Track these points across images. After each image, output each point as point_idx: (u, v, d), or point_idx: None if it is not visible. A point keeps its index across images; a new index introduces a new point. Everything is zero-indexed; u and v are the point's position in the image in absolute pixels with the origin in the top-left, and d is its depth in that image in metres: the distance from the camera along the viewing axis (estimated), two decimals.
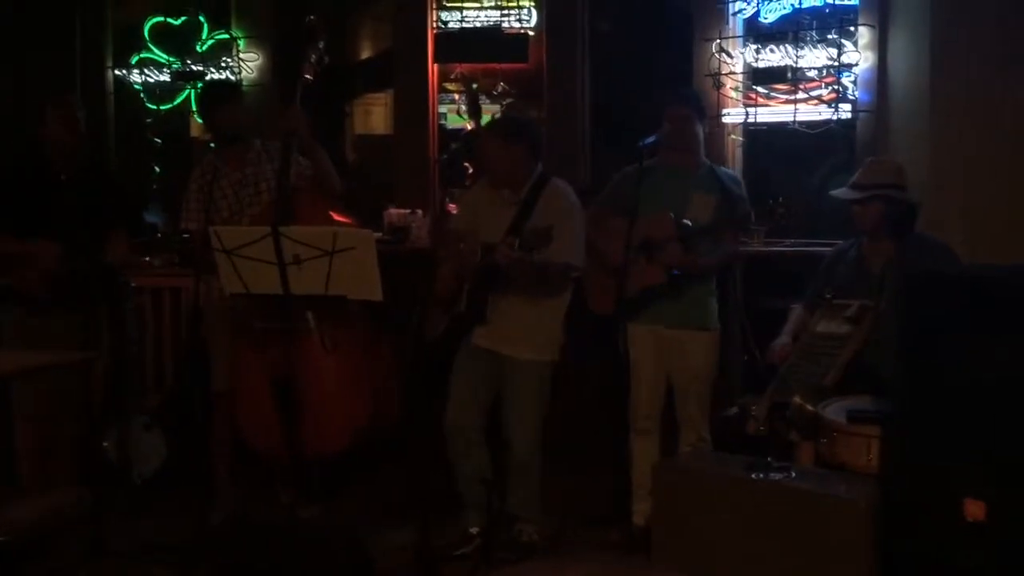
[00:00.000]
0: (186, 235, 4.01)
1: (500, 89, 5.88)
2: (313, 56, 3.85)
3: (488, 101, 5.90)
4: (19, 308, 3.92)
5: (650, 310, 3.76)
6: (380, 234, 5.09)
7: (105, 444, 4.29)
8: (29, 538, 3.38)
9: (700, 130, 3.83)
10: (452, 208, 3.93)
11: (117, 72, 6.34)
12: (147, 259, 4.98)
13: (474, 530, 3.75)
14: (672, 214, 3.66)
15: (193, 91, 6.17)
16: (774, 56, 5.05)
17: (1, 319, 3.94)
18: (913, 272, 2.89)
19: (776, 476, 2.90)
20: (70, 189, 3.98)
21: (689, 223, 3.64)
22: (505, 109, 5.77)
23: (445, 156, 5.60)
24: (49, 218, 3.90)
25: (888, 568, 2.71)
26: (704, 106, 3.96)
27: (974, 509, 2.49)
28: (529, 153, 3.68)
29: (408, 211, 5.38)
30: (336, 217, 3.75)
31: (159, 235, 5.43)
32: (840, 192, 3.58)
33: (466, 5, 5.82)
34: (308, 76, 3.83)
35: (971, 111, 4.36)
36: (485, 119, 5.59)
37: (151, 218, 5.95)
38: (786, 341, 3.61)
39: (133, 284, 4.59)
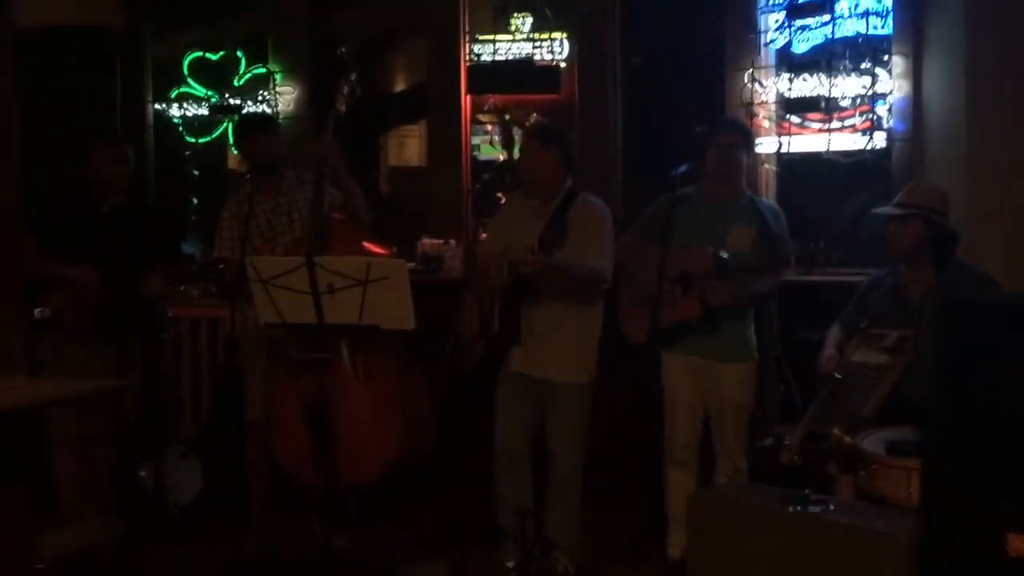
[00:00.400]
0: (220, 264, 4.07)
1: (533, 120, 5.91)
2: (345, 88, 3.91)
3: (521, 132, 5.92)
4: (56, 335, 3.99)
5: (685, 341, 3.74)
6: (413, 264, 5.11)
7: (142, 473, 4.32)
8: (66, 566, 3.41)
9: (744, 159, 3.83)
10: (485, 239, 3.96)
11: (157, 106, 6.47)
12: (184, 289, 5.05)
13: (511, 563, 3.73)
14: (711, 247, 3.63)
15: (231, 124, 6.28)
16: (807, 85, 5.03)
17: (39, 346, 4.01)
18: (953, 300, 2.85)
19: (814, 509, 2.85)
20: (111, 222, 4.07)
21: (726, 256, 3.61)
22: (539, 120, 5.79)
23: (478, 186, 5.63)
24: (90, 249, 3.99)
25: None
26: (752, 136, 3.95)
27: (1018, 544, 2.43)
28: (562, 161, 3.72)
29: (441, 241, 5.41)
30: (370, 247, 3.79)
31: (196, 265, 5.51)
32: (882, 209, 3.55)
33: (499, 38, 5.88)
34: (340, 108, 3.89)
35: (1007, 138, 4.32)
36: (518, 149, 5.62)
37: (188, 249, 6.03)
38: (832, 352, 3.55)
39: (171, 314, 4.65)
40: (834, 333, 3.65)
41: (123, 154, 4.22)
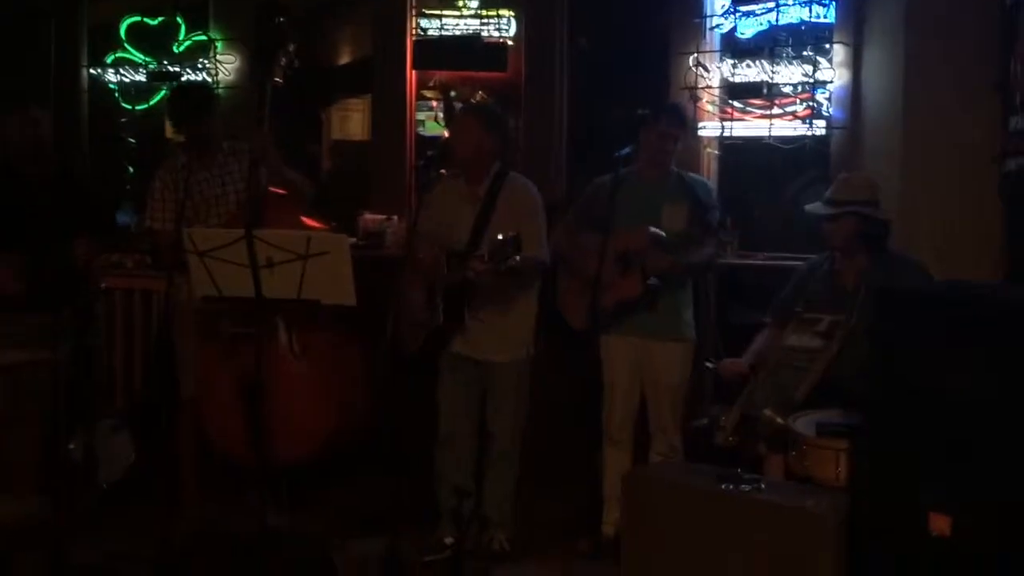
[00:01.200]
0: (152, 236, 3.98)
1: (478, 98, 5.88)
2: (283, 59, 3.83)
3: (459, 109, 5.89)
4: None
5: (625, 321, 3.77)
6: (355, 239, 5.07)
7: (71, 447, 4.23)
8: None
9: (678, 144, 3.86)
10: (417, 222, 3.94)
11: (92, 71, 6.29)
12: (117, 259, 4.93)
13: (448, 540, 3.74)
14: (649, 227, 3.67)
15: (168, 93, 6.13)
16: (750, 71, 5.09)
17: None
18: (884, 288, 2.91)
19: (745, 488, 2.91)
20: (34, 191, 3.93)
21: (662, 233, 3.65)
22: (482, 100, 5.76)
23: (422, 162, 5.59)
24: (13, 220, 3.85)
25: None
26: (689, 123, 3.97)
27: (939, 524, 2.51)
28: (497, 146, 3.72)
29: (384, 217, 5.37)
30: (309, 222, 3.74)
31: (130, 236, 5.39)
32: (813, 207, 3.60)
33: (445, 13, 5.83)
34: (277, 79, 3.81)
35: (942, 129, 4.41)
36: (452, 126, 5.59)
37: (124, 218, 5.89)
38: (740, 361, 3.62)
39: (103, 285, 4.54)
40: (760, 338, 3.68)
41: (33, 119, 4.03)
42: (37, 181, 3.97)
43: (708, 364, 3.96)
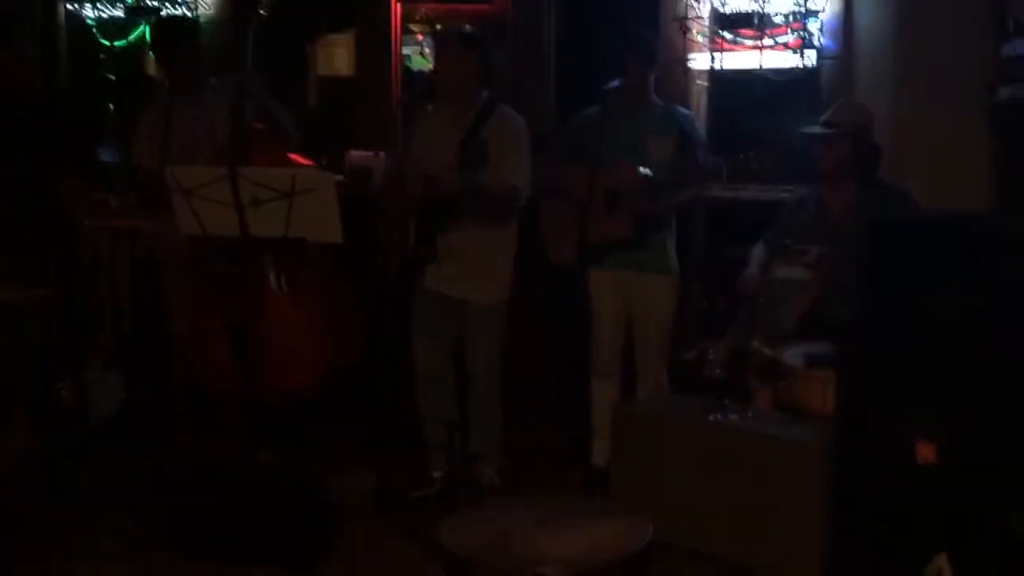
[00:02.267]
0: (140, 174, 3.93)
1: (467, 29, 5.77)
2: None
3: (439, 35, 5.78)
4: None
5: (612, 257, 3.76)
6: (341, 176, 5.01)
7: (61, 386, 4.24)
8: None
9: (652, 75, 3.80)
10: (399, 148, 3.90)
11: (69, 6, 6.14)
12: (102, 198, 4.88)
13: (437, 474, 3.78)
14: (636, 165, 3.62)
15: (148, 27, 6.00)
16: (741, 1, 5.01)
17: None
18: (872, 217, 2.90)
19: (732, 418, 2.94)
20: (17, 128, 3.87)
21: (650, 172, 3.61)
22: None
23: (406, 97, 5.51)
24: None
25: (841, 509, 2.77)
26: (656, 51, 3.89)
27: (925, 452, 2.53)
28: (480, 68, 3.64)
29: (370, 153, 5.31)
30: (295, 159, 3.69)
31: (114, 172, 5.32)
32: (810, 128, 3.58)
33: None
34: (262, 9, 3.73)
35: (934, 59, 4.36)
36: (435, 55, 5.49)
37: (106, 156, 5.82)
38: (754, 272, 3.61)
39: (87, 223, 4.50)
40: (757, 253, 3.71)
41: (19, 53, 3.95)
42: (18, 117, 3.90)
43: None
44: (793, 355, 3.13)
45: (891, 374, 2.62)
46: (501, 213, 3.64)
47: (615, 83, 3.66)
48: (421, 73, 5.81)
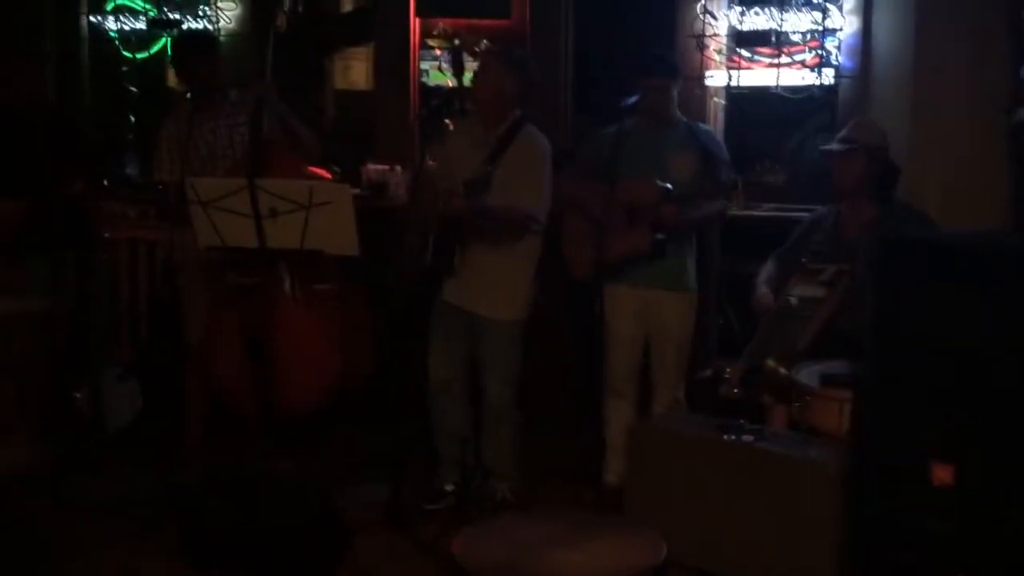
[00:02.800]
0: (160, 187, 3.95)
1: (483, 46, 5.80)
2: (286, 4, 3.78)
3: (471, 59, 5.82)
4: None
5: (630, 272, 3.76)
6: (358, 189, 5.04)
7: (77, 395, 4.26)
8: None
9: (675, 92, 3.80)
10: (431, 165, 3.91)
11: (92, 19, 6.21)
12: (121, 209, 4.91)
13: (449, 487, 3.77)
14: (655, 180, 3.62)
15: (169, 40, 6.06)
16: (759, 19, 5.01)
17: None
18: (889, 236, 2.89)
19: (748, 438, 2.92)
20: (31, 136, 3.89)
21: (670, 187, 3.61)
22: (489, 48, 5.69)
23: (425, 112, 5.54)
24: (9, 165, 3.82)
25: (857, 531, 2.75)
26: (679, 66, 3.90)
27: (942, 473, 2.51)
28: (518, 90, 3.66)
29: (387, 167, 5.33)
30: (312, 171, 3.71)
31: (134, 184, 5.36)
32: (827, 145, 3.58)
33: None
34: (280, 24, 3.76)
35: (953, 79, 4.35)
36: (468, 77, 5.53)
37: (127, 168, 5.87)
38: (765, 289, 3.60)
39: (107, 235, 4.54)
40: (767, 269, 3.69)
41: (35, 66, 3.97)
42: (32, 125, 3.93)
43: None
44: (808, 374, 3.11)
45: (908, 395, 2.61)
46: (510, 236, 3.64)
47: (632, 100, 3.66)
48: (439, 88, 5.84)
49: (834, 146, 3.52)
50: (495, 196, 3.53)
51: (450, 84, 5.75)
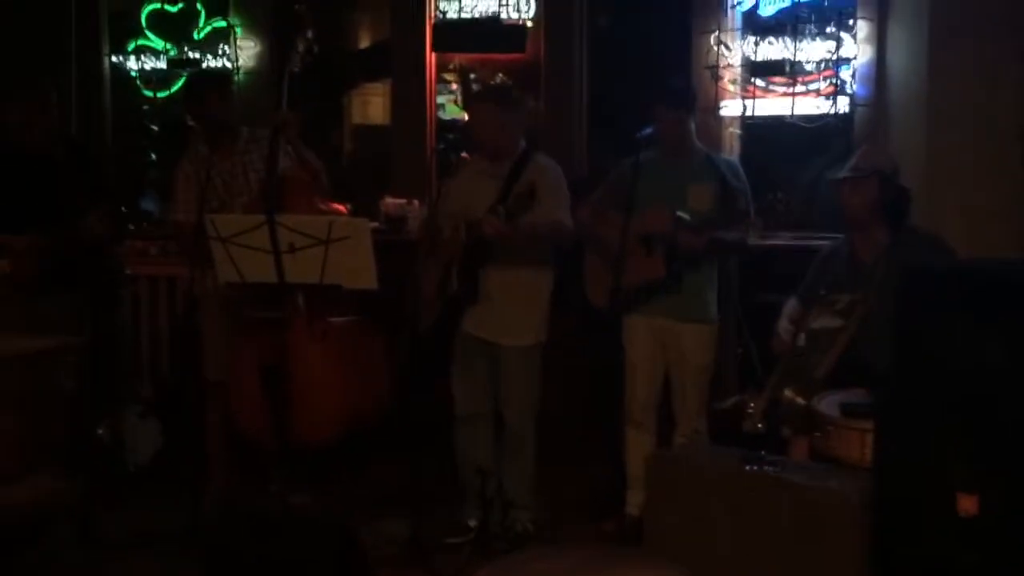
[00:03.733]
0: (176, 227, 3.99)
1: (499, 80, 5.86)
2: (301, 46, 3.83)
3: (474, 94, 5.86)
4: (5, 290, 3.89)
5: (649, 302, 3.76)
6: (376, 224, 5.08)
7: (99, 431, 4.28)
8: (17, 524, 3.38)
9: (692, 122, 3.82)
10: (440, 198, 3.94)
11: (114, 59, 6.31)
12: (142, 246, 4.97)
13: (472, 521, 3.76)
14: (671, 209, 3.62)
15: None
16: (772, 49, 5.04)
17: None
18: (907, 264, 2.88)
19: (769, 469, 2.90)
20: (47, 174, 3.92)
21: (687, 216, 3.62)
22: (502, 81, 5.74)
23: (442, 146, 5.58)
24: (26, 203, 3.86)
25: (881, 563, 2.72)
26: (694, 96, 3.90)
27: (967, 504, 2.49)
28: (516, 124, 3.70)
29: (404, 201, 5.37)
30: (330, 206, 3.75)
31: (155, 221, 5.42)
32: (837, 174, 3.58)
33: None
34: (295, 67, 3.81)
35: (968, 105, 4.36)
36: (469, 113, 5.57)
37: (147, 206, 5.94)
38: (788, 328, 3.58)
39: (128, 271, 4.58)
40: (790, 308, 3.67)
41: (43, 104, 4.00)
42: (48, 163, 3.96)
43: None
44: (828, 404, 3.09)
45: (930, 424, 2.59)
46: (549, 244, 3.69)
47: (647, 131, 3.68)
48: (455, 122, 5.89)
49: (845, 174, 3.52)
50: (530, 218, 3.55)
51: (466, 118, 5.80)
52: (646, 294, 3.72)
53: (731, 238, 3.76)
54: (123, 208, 4.31)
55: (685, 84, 3.93)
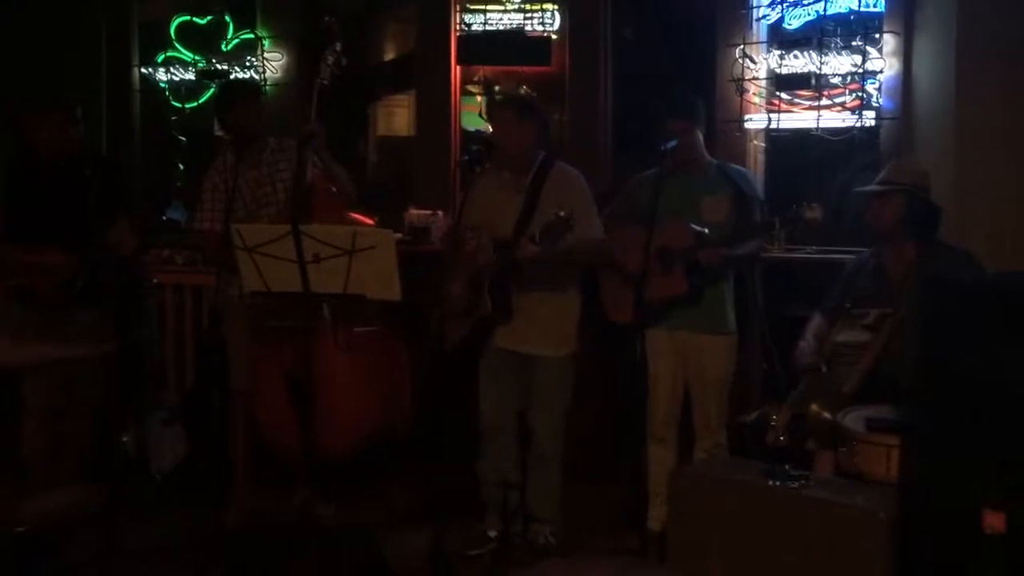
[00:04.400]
0: (201, 236, 4.02)
1: (523, 92, 5.87)
2: (330, 58, 3.86)
3: (495, 104, 5.87)
4: (32, 302, 3.93)
5: (668, 316, 3.75)
6: (400, 234, 5.09)
7: (124, 439, 4.32)
8: (45, 532, 3.41)
9: (699, 133, 3.80)
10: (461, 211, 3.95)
11: (143, 70, 6.39)
12: (168, 255, 5.01)
13: (493, 533, 3.76)
14: (689, 223, 3.62)
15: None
16: (798, 62, 5.02)
17: (15, 313, 3.94)
18: (936, 278, 2.86)
19: (793, 484, 2.87)
20: (71, 184, 3.96)
21: (706, 231, 3.61)
22: (522, 91, 5.75)
23: (467, 157, 5.59)
24: (51, 217, 3.90)
25: None
26: (699, 108, 3.89)
27: (993, 520, 2.46)
28: (538, 133, 3.72)
29: (429, 212, 5.39)
30: (355, 216, 3.77)
31: (182, 231, 5.47)
32: (866, 187, 3.56)
33: (489, 8, 5.82)
34: (324, 80, 3.84)
35: (995, 118, 4.32)
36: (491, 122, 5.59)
37: (174, 215, 5.99)
38: (812, 343, 3.56)
39: (155, 280, 4.62)
40: (815, 322, 3.65)
41: (64, 121, 4.02)
42: (75, 178, 4.00)
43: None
44: (854, 419, 3.07)
45: (956, 440, 2.56)
46: (588, 262, 3.71)
47: (672, 143, 3.67)
48: (479, 133, 5.91)
49: (871, 187, 3.50)
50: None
51: (489, 129, 5.82)
52: (669, 310, 3.71)
53: (746, 252, 3.75)
54: (152, 221, 4.35)
55: (690, 96, 3.91)
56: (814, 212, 3.43)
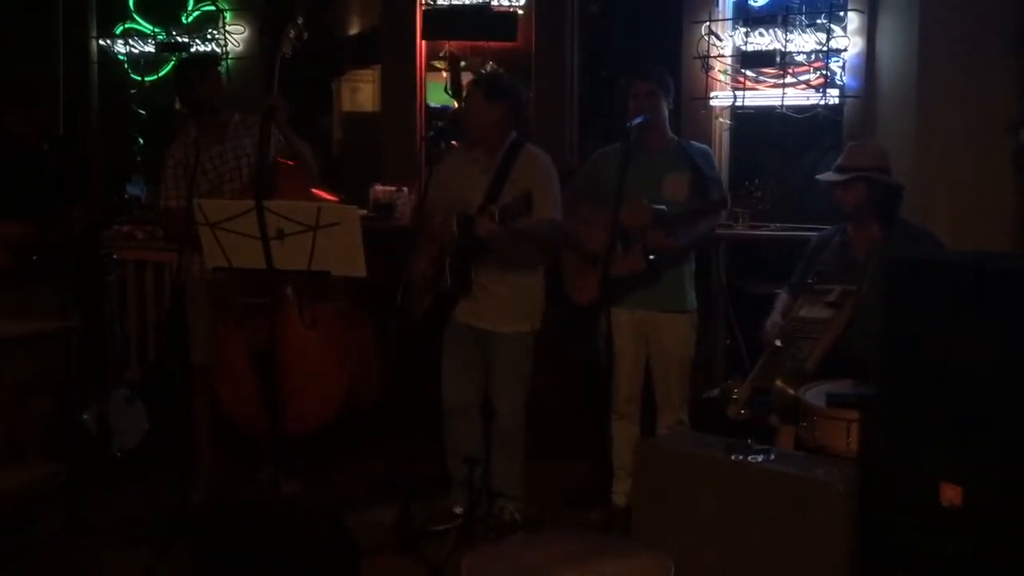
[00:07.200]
0: (165, 213, 3.97)
1: (488, 68, 5.84)
2: (292, 31, 3.82)
3: (468, 82, 5.84)
4: None
5: (629, 295, 3.76)
6: (365, 211, 5.06)
7: (85, 416, 4.27)
8: (4, 509, 3.37)
9: (665, 107, 3.81)
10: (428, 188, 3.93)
11: (101, 42, 6.26)
12: (128, 231, 4.95)
13: (458, 509, 3.77)
14: (647, 200, 3.63)
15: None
16: (763, 40, 5.03)
17: None
18: (896, 257, 2.90)
19: (756, 458, 2.91)
20: (32, 161, 3.90)
21: (665, 208, 3.62)
22: (493, 70, 5.72)
23: (432, 133, 5.56)
24: (15, 191, 3.84)
25: (865, 551, 2.74)
26: (669, 83, 3.90)
27: (950, 494, 2.51)
28: (509, 115, 3.70)
29: (394, 188, 5.36)
30: (319, 193, 3.73)
31: (142, 206, 5.39)
32: (824, 176, 3.59)
33: None
34: (286, 51, 3.80)
35: (958, 98, 4.37)
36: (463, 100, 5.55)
37: (134, 191, 5.90)
38: (777, 319, 3.60)
39: (116, 256, 4.56)
40: (781, 300, 3.69)
41: (36, 117, 3.98)
42: (36, 156, 3.93)
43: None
44: (816, 394, 3.11)
45: (916, 415, 2.61)
46: (546, 246, 3.71)
47: (639, 119, 3.67)
48: (445, 109, 5.87)
49: (830, 176, 3.53)
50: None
51: (455, 106, 5.78)
52: (628, 287, 3.73)
53: (701, 231, 3.77)
54: (112, 196, 4.30)
55: (661, 70, 3.92)
56: (774, 192, 3.46)
